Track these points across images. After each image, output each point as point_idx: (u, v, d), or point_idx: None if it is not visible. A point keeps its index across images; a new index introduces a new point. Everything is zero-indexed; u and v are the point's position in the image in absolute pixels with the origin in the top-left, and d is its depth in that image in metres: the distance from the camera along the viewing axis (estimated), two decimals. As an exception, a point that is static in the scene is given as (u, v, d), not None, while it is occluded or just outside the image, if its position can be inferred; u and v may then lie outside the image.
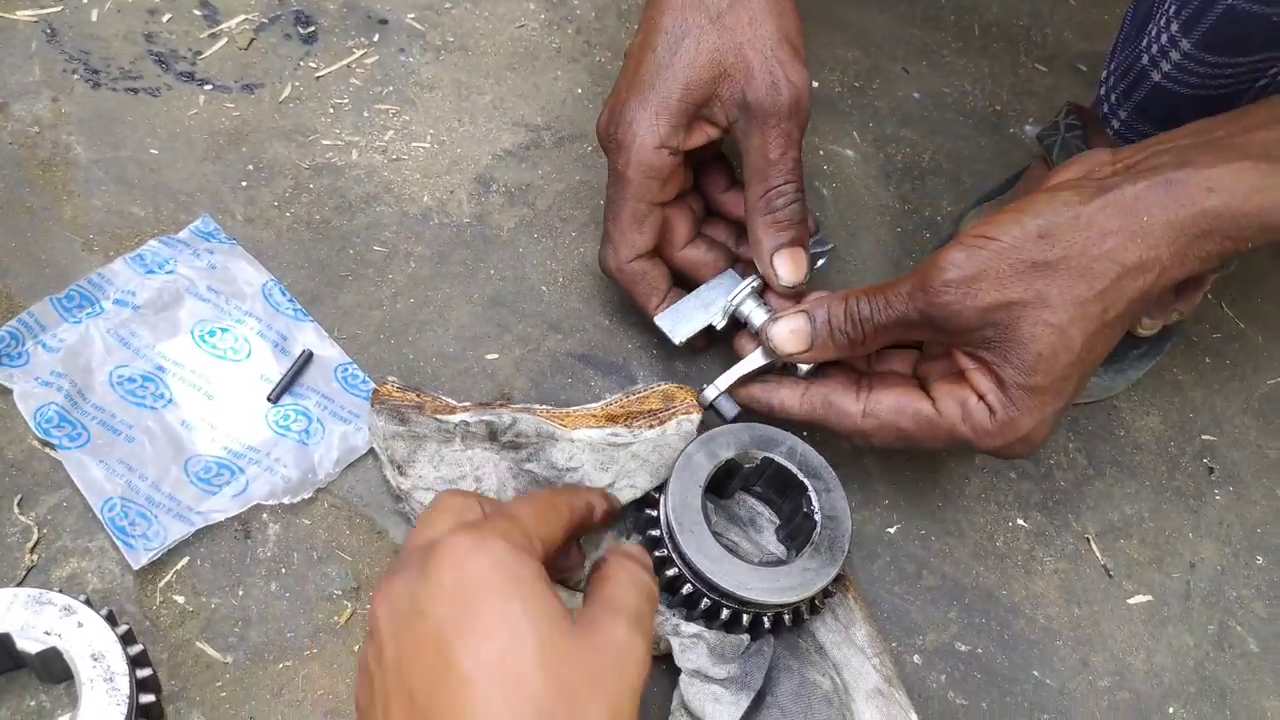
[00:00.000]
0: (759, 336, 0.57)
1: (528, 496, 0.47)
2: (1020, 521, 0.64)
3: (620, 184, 0.57)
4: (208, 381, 0.57)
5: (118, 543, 0.51)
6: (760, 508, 0.58)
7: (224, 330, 0.58)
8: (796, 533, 0.55)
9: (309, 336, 0.60)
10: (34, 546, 0.52)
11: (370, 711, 0.38)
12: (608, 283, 0.68)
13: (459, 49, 0.78)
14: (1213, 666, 0.61)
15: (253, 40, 0.74)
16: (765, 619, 0.51)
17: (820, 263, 0.62)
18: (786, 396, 0.56)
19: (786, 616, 0.52)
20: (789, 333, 0.54)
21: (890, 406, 0.53)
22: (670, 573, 0.52)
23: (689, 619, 0.52)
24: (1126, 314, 0.48)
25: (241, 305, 0.60)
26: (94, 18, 0.73)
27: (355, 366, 0.59)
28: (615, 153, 0.57)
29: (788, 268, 0.57)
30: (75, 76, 0.69)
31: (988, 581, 0.61)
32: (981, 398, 0.50)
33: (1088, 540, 0.64)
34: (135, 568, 0.51)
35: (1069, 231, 0.47)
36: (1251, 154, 0.46)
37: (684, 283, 0.62)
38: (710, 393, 0.57)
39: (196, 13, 0.75)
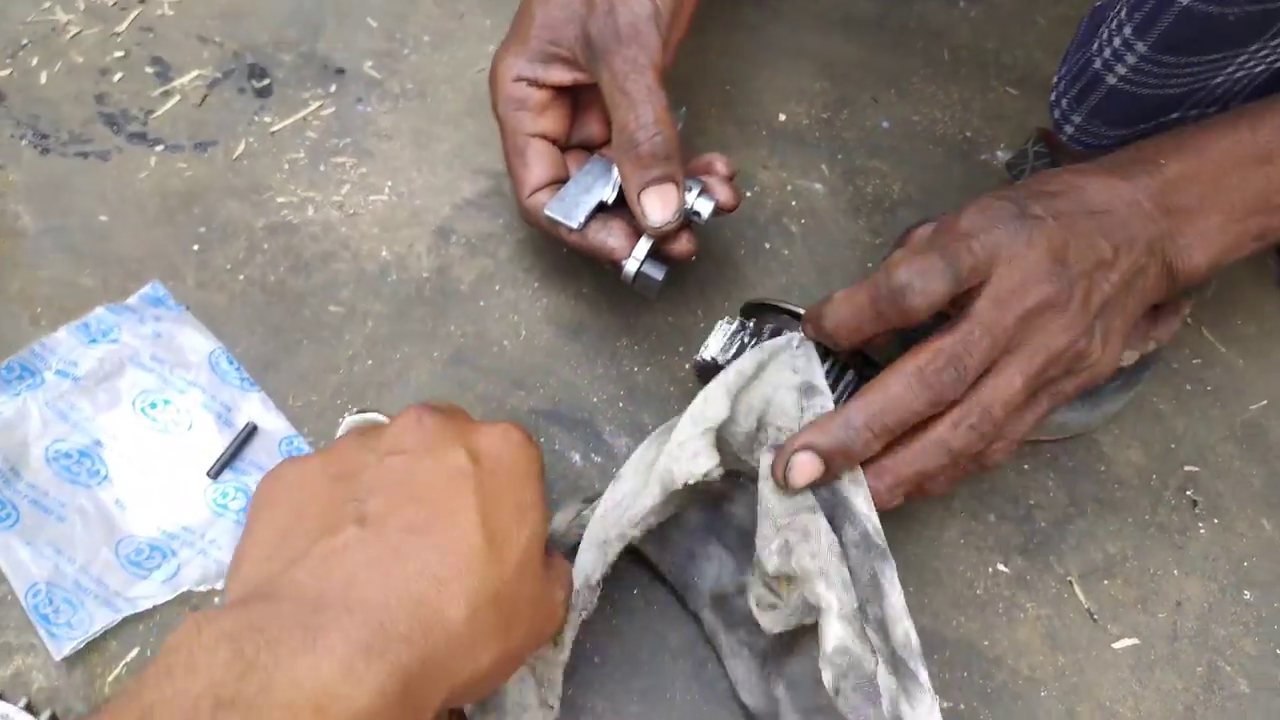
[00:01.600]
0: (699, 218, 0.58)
1: None
2: (1001, 566, 0.62)
3: (500, 124, 0.60)
4: (146, 456, 0.55)
5: (40, 631, 0.50)
6: None
7: (166, 402, 0.57)
8: None
9: (255, 407, 0.58)
10: (-22, 641, 0.50)
11: (302, 488, 0.40)
12: (571, 335, 0.67)
13: (418, 96, 0.77)
14: (1203, 710, 0.60)
15: (206, 96, 0.73)
16: None
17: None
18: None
19: None
20: (660, 205, 0.55)
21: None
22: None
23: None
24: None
25: (186, 375, 0.58)
26: (43, 80, 0.71)
27: (301, 439, 0.58)
28: (491, 94, 0.60)
29: (655, 206, 0.55)
30: (23, 142, 0.68)
31: (969, 632, 0.60)
32: None
33: (1070, 583, 0.62)
34: (57, 658, 0.49)
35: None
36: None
37: None
38: (631, 265, 0.57)
39: (149, 70, 0.74)
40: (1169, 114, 0.55)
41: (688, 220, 0.58)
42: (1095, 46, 0.53)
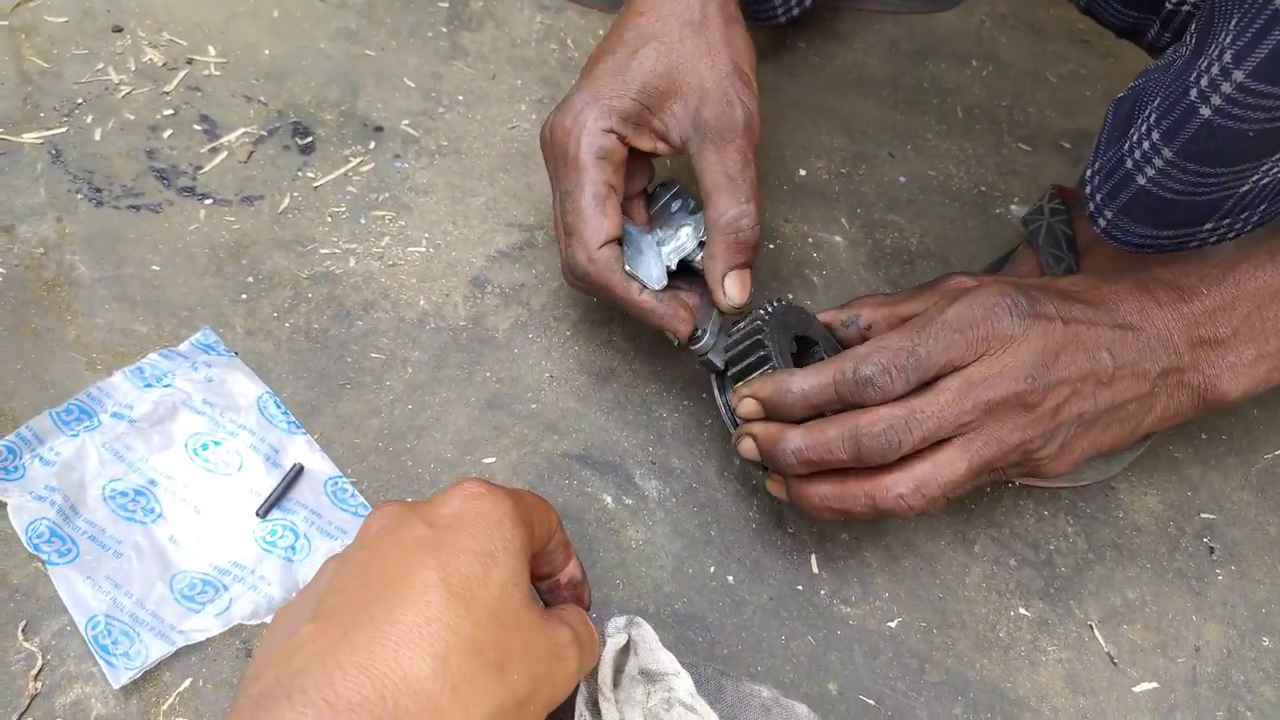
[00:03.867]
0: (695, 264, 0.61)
1: (524, 489, 0.47)
2: (1022, 610, 0.64)
3: (575, 170, 0.58)
4: (198, 496, 0.58)
5: (100, 661, 0.51)
6: None
7: (217, 443, 0.59)
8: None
9: (301, 449, 0.60)
10: (38, 673, 0.52)
11: (302, 603, 0.39)
12: (602, 381, 0.69)
13: (453, 152, 0.80)
14: (1224, 754, 0.61)
15: (252, 153, 0.76)
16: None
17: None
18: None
19: None
20: (740, 288, 0.59)
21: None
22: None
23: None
24: None
25: (236, 418, 0.60)
26: (97, 136, 0.75)
27: (345, 480, 0.60)
28: (564, 142, 0.59)
29: (736, 288, 0.60)
30: (79, 196, 0.71)
31: (992, 675, 0.61)
32: None
33: (1090, 627, 0.64)
34: (115, 687, 0.51)
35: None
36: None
37: None
38: (708, 340, 0.60)
39: (197, 128, 0.77)
40: (1202, 224, 0.57)
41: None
42: (1127, 146, 0.55)
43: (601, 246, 0.58)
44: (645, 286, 0.60)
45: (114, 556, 0.55)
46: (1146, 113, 0.54)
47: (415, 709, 0.34)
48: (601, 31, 0.92)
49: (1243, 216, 0.57)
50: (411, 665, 0.35)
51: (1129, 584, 0.66)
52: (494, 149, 0.81)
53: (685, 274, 0.63)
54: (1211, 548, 0.69)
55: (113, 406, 0.60)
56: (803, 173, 0.86)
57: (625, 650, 0.50)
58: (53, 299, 0.66)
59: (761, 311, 0.58)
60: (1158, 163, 0.52)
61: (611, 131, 0.59)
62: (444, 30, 0.89)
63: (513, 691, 0.38)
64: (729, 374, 0.59)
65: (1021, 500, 0.69)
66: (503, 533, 0.41)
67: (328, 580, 0.40)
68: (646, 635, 0.50)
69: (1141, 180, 0.54)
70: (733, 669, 0.58)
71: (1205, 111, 0.48)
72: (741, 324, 0.59)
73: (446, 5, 0.91)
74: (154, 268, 0.68)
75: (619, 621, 0.50)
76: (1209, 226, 0.57)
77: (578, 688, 0.48)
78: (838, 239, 0.82)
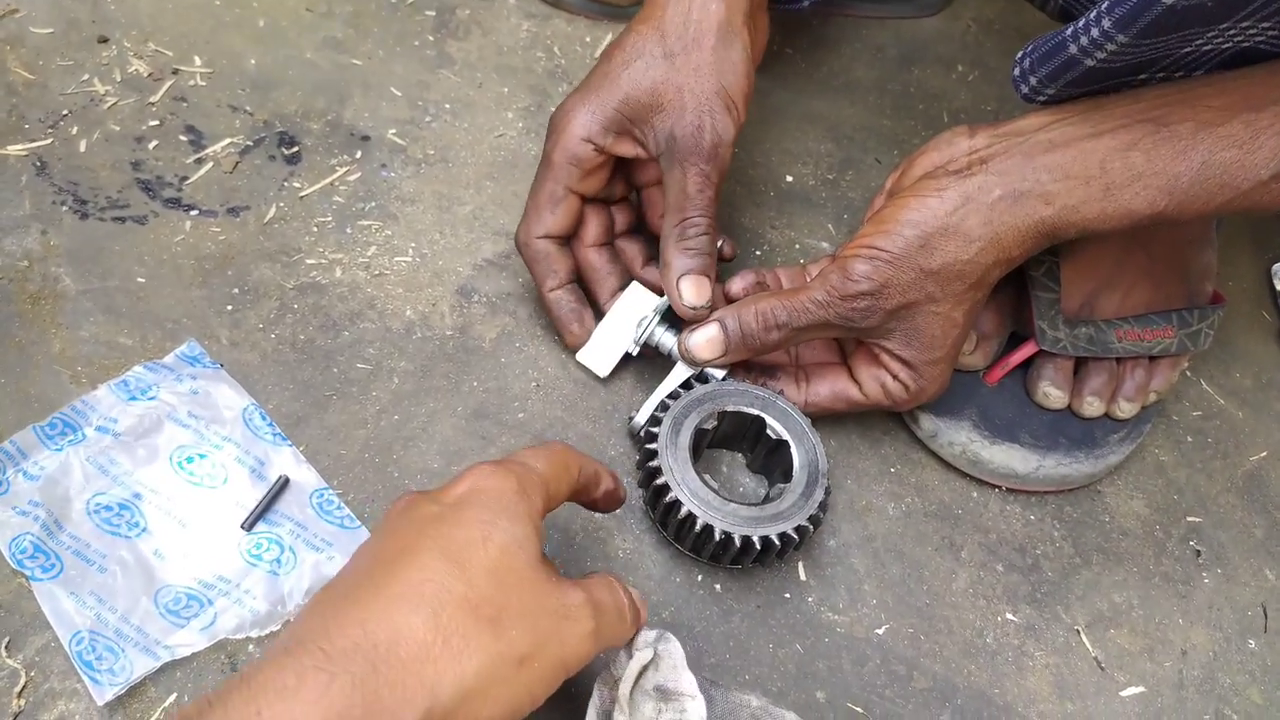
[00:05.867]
0: (671, 356, 0.66)
1: (542, 447, 0.50)
2: (1010, 616, 0.64)
3: (546, 165, 0.65)
4: (183, 509, 0.57)
5: (84, 677, 0.51)
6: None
7: (202, 456, 0.59)
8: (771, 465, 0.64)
9: (286, 461, 0.60)
10: (21, 690, 0.52)
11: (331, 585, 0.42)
12: (588, 390, 0.69)
13: (440, 161, 0.80)
14: (1211, 758, 0.61)
15: (237, 163, 0.76)
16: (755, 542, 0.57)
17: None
18: None
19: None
20: (705, 341, 0.63)
21: (827, 394, 0.66)
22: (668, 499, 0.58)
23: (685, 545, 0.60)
24: (990, 286, 0.61)
25: (221, 431, 0.60)
26: (83, 148, 0.75)
27: (331, 492, 0.60)
28: (549, 138, 0.65)
29: (692, 290, 0.63)
30: (64, 208, 0.71)
31: (979, 681, 0.61)
32: (895, 376, 0.63)
33: (1078, 632, 0.64)
34: (100, 703, 0.51)
35: (943, 240, 0.57)
36: (1090, 166, 0.55)
37: (580, 281, 0.69)
38: (640, 418, 0.63)
39: (183, 138, 0.77)
40: (1137, 75, 0.58)
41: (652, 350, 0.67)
42: (1070, 33, 0.55)
43: (538, 238, 0.66)
44: (598, 377, 0.68)
45: (98, 571, 0.54)
46: (1096, 6, 0.54)
47: (407, 656, 0.37)
48: (589, 39, 0.92)
49: (1176, 76, 0.58)
50: (404, 618, 0.38)
51: (1116, 588, 0.66)
52: (481, 157, 0.81)
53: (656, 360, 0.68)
54: (1198, 551, 0.69)
55: (97, 420, 0.60)
56: (789, 179, 0.86)
57: (650, 665, 0.50)
58: (37, 312, 0.66)
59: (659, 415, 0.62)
60: (1110, 47, 0.53)
61: (589, 141, 0.64)
62: (431, 39, 0.89)
63: (511, 646, 0.39)
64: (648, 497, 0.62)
65: (1008, 505, 0.69)
66: (505, 503, 0.43)
67: (349, 561, 0.43)
68: (674, 651, 0.50)
69: (1090, 63, 0.55)
70: (721, 677, 0.58)
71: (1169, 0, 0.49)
72: (657, 424, 0.61)
73: (433, 14, 0.91)
74: (139, 280, 0.68)
75: (649, 635, 0.50)
76: (1142, 77, 0.59)
77: (591, 698, 0.48)
78: (824, 245, 0.82)
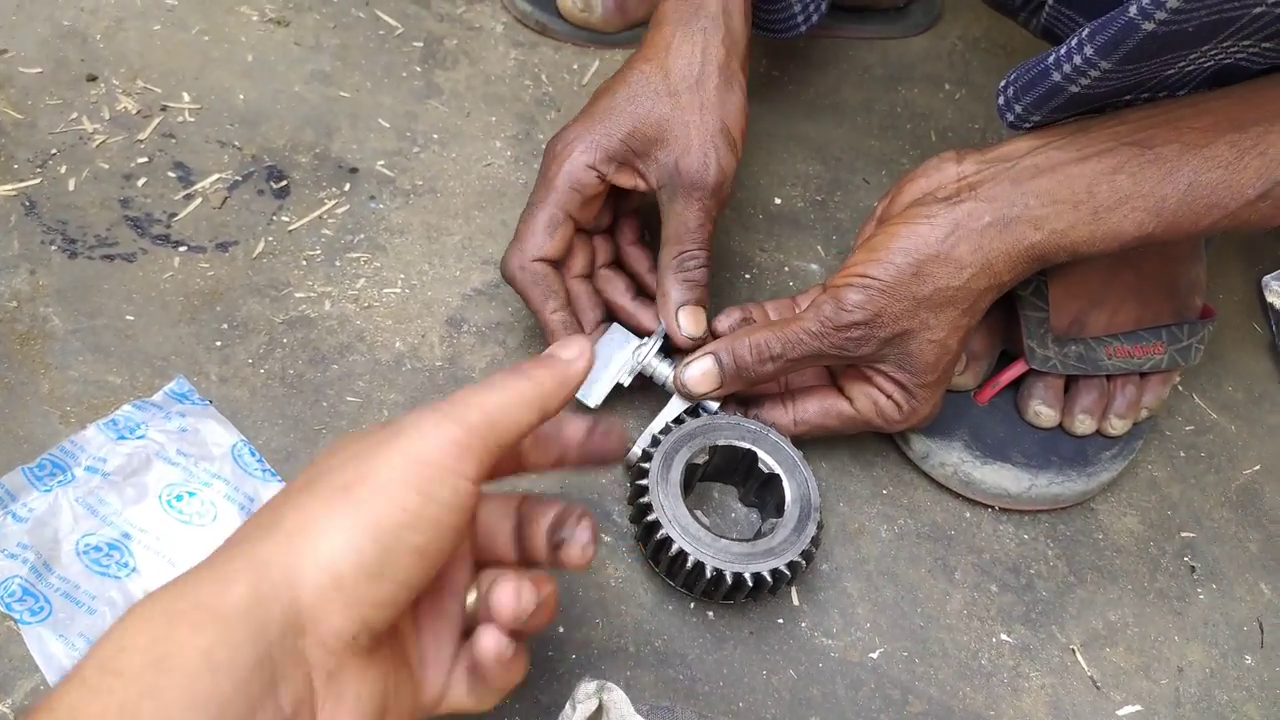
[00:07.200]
0: (666, 387, 0.65)
1: (495, 381, 0.43)
2: (1004, 637, 0.64)
3: (546, 189, 0.65)
4: (172, 548, 0.57)
5: (79, 726, 0.51)
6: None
7: (192, 494, 0.59)
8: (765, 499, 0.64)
9: (278, 498, 0.60)
10: (11, 734, 0.52)
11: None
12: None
13: (428, 191, 0.81)
14: (1210, 777, 0.61)
15: (226, 199, 0.77)
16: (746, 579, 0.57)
17: None
18: None
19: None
20: (700, 375, 0.62)
21: (816, 411, 0.65)
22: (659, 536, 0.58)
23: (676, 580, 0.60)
24: (982, 312, 0.61)
25: (210, 468, 0.60)
26: (71, 187, 0.75)
27: (325, 528, 0.60)
28: (549, 164, 0.65)
29: (690, 321, 0.65)
30: (53, 247, 0.71)
31: (975, 703, 0.61)
32: (889, 396, 0.63)
33: (1073, 651, 0.64)
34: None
35: (934, 267, 0.58)
36: (1078, 191, 0.56)
37: None
38: (636, 450, 0.63)
39: (171, 175, 0.77)
40: (1122, 98, 0.59)
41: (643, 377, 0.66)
42: (1053, 60, 0.56)
43: (535, 260, 0.65)
44: (587, 406, 0.66)
45: (87, 613, 0.54)
46: (1077, 34, 0.54)
47: (280, 515, 0.39)
48: (575, 66, 0.93)
49: (1160, 96, 0.59)
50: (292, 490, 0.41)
51: (1110, 606, 0.66)
52: (469, 187, 0.82)
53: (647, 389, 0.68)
54: (1193, 566, 0.69)
55: (86, 460, 0.60)
56: (778, 201, 0.86)
57: (597, 716, 0.50)
58: (25, 353, 0.66)
59: (654, 443, 0.62)
60: (1093, 74, 0.54)
61: (592, 168, 0.64)
62: (418, 69, 0.90)
63: (368, 515, 0.38)
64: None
65: (1001, 525, 0.69)
66: (442, 454, 0.40)
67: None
68: (619, 700, 0.50)
69: (1074, 90, 0.56)
70: (714, 706, 0.58)
71: (1148, 26, 0.49)
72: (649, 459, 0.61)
73: (421, 44, 0.92)
74: (128, 317, 0.68)
75: (589, 687, 0.50)
76: (1127, 99, 0.59)
77: None
78: (814, 267, 0.82)
